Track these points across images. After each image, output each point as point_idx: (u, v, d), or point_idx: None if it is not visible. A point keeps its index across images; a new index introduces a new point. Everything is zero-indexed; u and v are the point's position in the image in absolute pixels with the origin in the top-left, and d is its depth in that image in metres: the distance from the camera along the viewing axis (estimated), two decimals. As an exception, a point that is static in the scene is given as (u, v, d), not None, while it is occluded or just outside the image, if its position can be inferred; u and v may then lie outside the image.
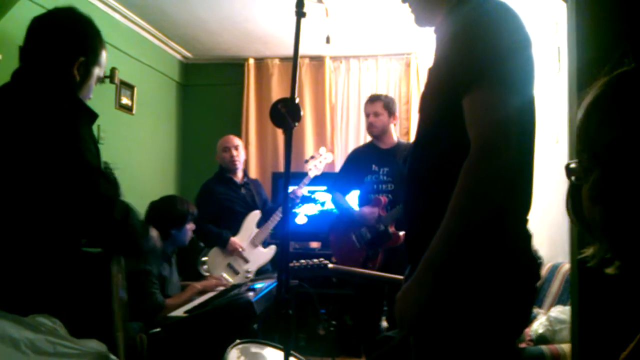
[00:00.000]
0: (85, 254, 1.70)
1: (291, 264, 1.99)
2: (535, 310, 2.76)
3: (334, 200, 3.70)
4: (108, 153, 1.83)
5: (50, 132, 1.55)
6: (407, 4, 1.46)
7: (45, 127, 1.56)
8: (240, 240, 3.81)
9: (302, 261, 2.13)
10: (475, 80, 1.20)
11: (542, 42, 3.52)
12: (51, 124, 1.56)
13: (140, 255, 1.75)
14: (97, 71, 1.78)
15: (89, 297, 1.66)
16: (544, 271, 3.18)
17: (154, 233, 2.13)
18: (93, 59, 1.75)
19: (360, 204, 3.59)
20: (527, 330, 2.55)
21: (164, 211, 3.16)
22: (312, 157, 3.91)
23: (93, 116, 1.73)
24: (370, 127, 3.56)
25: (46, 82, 1.66)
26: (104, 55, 1.79)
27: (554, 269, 3.03)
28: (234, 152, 3.94)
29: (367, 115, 3.56)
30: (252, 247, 3.85)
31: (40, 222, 1.60)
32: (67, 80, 1.69)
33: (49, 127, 1.56)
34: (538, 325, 2.51)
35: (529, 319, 1.36)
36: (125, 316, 1.81)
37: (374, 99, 3.61)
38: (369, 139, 3.77)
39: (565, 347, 2.31)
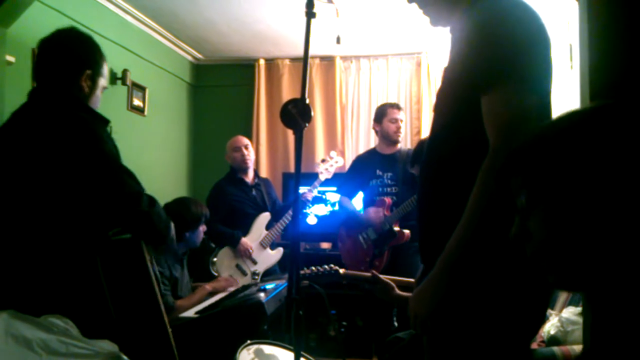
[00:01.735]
0: (116, 241, 1.81)
1: (302, 271, 1.99)
2: (547, 311, 2.74)
3: (340, 205, 3.85)
4: (120, 154, 1.89)
5: (73, 138, 1.69)
6: (415, 5, 1.45)
7: (68, 135, 1.69)
8: (249, 241, 3.84)
9: (313, 268, 2.12)
10: (494, 79, 1.19)
11: (554, 39, 3.49)
12: (72, 132, 1.70)
13: (164, 241, 1.94)
14: (102, 82, 1.95)
15: (127, 278, 1.78)
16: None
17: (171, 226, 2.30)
18: (97, 70, 1.92)
19: (365, 206, 3.76)
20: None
21: (178, 214, 3.16)
22: (323, 161, 3.98)
23: (105, 121, 1.90)
24: (397, 132, 3.71)
25: (60, 96, 1.81)
26: (105, 67, 1.96)
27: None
28: (245, 151, 3.98)
29: (395, 121, 3.70)
30: (260, 248, 3.88)
31: (63, 223, 1.69)
32: (77, 93, 1.85)
33: (71, 135, 1.70)
34: (550, 326, 2.49)
35: (543, 320, 1.35)
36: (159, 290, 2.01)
37: (399, 107, 3.80)
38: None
39: (577, 348, 2.29)
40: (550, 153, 0.74)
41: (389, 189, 3.64)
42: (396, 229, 3.50)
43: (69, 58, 1.85)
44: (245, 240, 3.81)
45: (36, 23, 3.18)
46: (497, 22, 1.23)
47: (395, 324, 3.59)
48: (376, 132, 3.84)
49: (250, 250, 3.80)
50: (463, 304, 1.22)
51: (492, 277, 1.22)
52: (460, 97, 1.27)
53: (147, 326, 1.76)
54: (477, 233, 1.16)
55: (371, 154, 3.87)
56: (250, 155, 4.01)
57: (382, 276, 2.01)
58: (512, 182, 0.81)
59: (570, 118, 0.77)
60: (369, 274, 2.01)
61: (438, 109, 1.38)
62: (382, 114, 3.74)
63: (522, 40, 1.21)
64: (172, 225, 2.44)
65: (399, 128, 3.71)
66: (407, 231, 3.48)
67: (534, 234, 0.77)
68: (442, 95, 1.37)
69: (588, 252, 0.71)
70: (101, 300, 1.66)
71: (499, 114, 1.19)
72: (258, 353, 2.14)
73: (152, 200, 1.81)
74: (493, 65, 1.20)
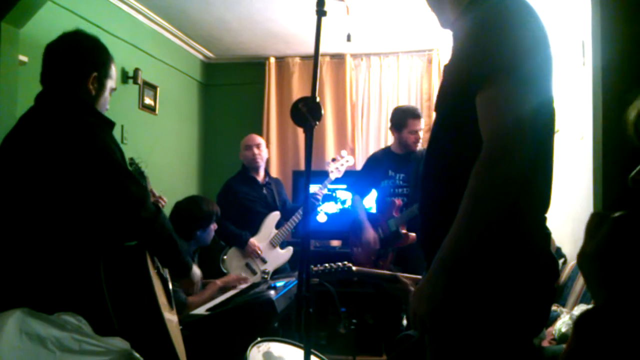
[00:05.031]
0: (120, 247, 1.82)
1: (314, 268, 1.99)
2: (559, 309, 2.73)
3: (352, 205, 3.81)
4: (131, 153, 1.91)
5: (77, 143, 1.69)
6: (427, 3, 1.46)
7: (72, 140, 1.69)
8: (258, 240, 3.84)
9: (327, 265, 2.11)
10: (489, 76, 1.17)
11: (566, 36, 3.46)
12: (77, 137, 1.70)
13: (175, 253, 1.93)
14: (110, 83, 1.93)
15: (128, 285, 1.78)
16: (567, 269, 3.13)
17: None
18: (105, 72, 1.89)
19: (378, 206, 3.72)
20: (549, 329, 2.52)
21: (189, 212, 3.18)
22: (333, 160, 3.97)
23: (111, 124, 1.88)
24: (416, 143, 3.60)
25: (66, 100, 1.80)
26: (113, 68, 1.94)
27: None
28: (256, 151, 3.97)
29: (415, 133, 3.57)
30: (270, 247, 3.88)
31: (70, 224, 1.70)
32: (85, 96, 1.84)
33: (76, 140, 1.69)
34: (561, 324, 2.47)
35: (546, 318, 1.34)
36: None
37: (419, 115, 3.63)
38: (390, 138, 3.80)
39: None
40: None
41: (399, 190, 3.58)
42: (403, 231, 3.44)
43: (75, 61, 1.84)
44: (253, 241, 3.81)
45: (49, 23, 3.20)
46: (497, 20, 1.21)
47: (405, 322, 3.58)
48: (393, 135, 3.72)
49: (259, 251, 3.81)
50: (462, 302, 1.21)
51: (490, 275, 1.22)
52: (458, 95, 1.26)
53: (147, 333, 1.76)
54: (471, 233, 1.16)
55: (385, 153, 3.78)
56: (262, 154, 4.01)
57: (401, 275, 1.98)
58: None
59: None
60: (387, 272, 1.99)
61: (438, 107, 1.37)
62: (402, 124, 3.58)
63: (521, 40, 1.18)
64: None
65: (418, 139, 3.59)
66: (413, 234, 3.42)
67: None
68: (441, 93, 1.36)
69: None
70: (101, 305, 1.67)
71: (493, 112, 1.17)
72: (268, 350, 2.15)
73: (157, 209, 1.81)
74: (490, 62, 1.17)
